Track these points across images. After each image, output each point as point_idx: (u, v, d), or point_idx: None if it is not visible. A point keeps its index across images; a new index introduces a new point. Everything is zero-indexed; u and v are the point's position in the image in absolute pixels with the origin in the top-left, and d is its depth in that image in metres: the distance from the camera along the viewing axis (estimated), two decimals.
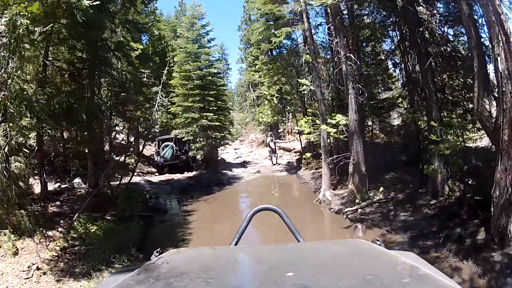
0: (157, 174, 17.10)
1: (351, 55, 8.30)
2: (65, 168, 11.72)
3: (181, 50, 17.46)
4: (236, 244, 1.60)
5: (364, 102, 8.63)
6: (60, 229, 8.43)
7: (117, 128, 16.11)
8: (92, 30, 8.50)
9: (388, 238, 6.81)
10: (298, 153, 19.36)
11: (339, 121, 8.67)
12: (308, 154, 11.51)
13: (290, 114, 22.81)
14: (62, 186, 10.84)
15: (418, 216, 7.44)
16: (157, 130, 21.70)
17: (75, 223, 8.34)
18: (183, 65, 16.74)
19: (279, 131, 26.11)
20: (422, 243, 6.48)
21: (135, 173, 16.90)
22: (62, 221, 8.73)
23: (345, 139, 8.94)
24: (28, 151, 13.96)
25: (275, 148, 19.53)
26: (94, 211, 9.16)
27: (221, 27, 70.23)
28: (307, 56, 11.78)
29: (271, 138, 19.82)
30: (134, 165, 12.89)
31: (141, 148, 13.41)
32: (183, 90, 16.48)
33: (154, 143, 18.29)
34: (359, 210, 8.06)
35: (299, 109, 19.36)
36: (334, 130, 8.90)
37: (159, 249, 1.36)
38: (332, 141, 10.82)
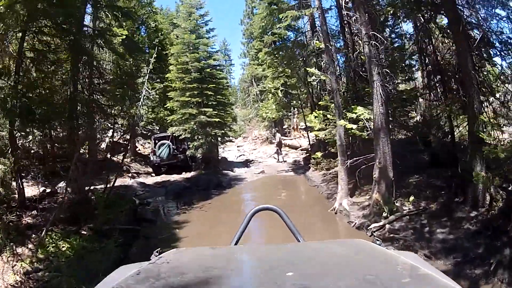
0: (153, 174, 15.81)
1: (376, 33, 6.81)
2: (54, 171, 10.54)
3: (178, 41, 16.12)
4: (236, 244, 1.60)
5: (392, 91, 7.16)
6: (30, 246, 7.23)
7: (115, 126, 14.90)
8: (63, 9, 7.18)
9: None
10: (305, 151, 18.06)
11: (360, 115, 7.22)
12: (319, 154, 10.08)
13: (296, 109, 21.54)
14: (48, 190, 9.75)
15: (459, 233, 6.01)
16: (157, 128, 20.68)
17: (45, 239, 7.09)
18: (180, 57, 15.37)
19: (284, 127, 24.79)
20: (470, 272, 5.09)
21: (130, 174, 15.84)
22: (34, 235, 7.52)
23: (367, 137, 7.49)
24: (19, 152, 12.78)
25: (281, 146, 18.18)
26: (71, 222, 7.89)
27: (224, 23, 68.69)
28: (317, 42, 10.38)
29: (279, 135, 18.50)
30: (122, 165, 11.51)
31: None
32: (180, 84, 15.13)
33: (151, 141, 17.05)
34: (387, 226, 6.57)
35: (304, 104, 17.98)
36: (355, 126, 7.43)
37: (159, 249, 1.34)
38: (344, 138, 9.37)
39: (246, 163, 18.03)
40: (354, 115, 7.39)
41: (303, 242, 1.57)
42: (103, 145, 15.67)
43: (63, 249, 6.87)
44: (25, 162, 11.63)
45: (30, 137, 11.26)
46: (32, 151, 12.19)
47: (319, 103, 9.89)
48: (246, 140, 28.43)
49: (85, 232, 7.19)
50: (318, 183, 11.20)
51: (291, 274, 0.97)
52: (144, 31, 19.79)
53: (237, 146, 25.53)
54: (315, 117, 9.85)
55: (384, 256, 1.17)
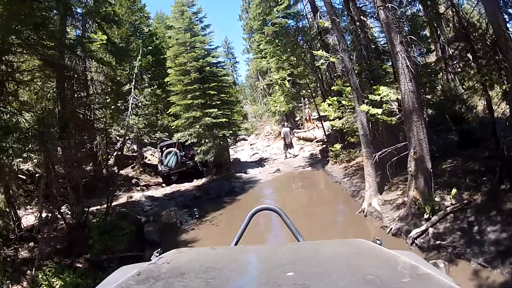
0: (164, 185, 15.00)
1: None
2: (62, 195, 9.80)
3: (173, 43, 15.22)
4: (236, 244, 1.61)
5: (420, 63, 5.95)
6: (24, 283, 6.51)
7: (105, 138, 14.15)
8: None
9: (485, 278, 4.28)
10: (321, 143, 16.92)
11: (385, 96, 6.03)
12: (338, 146, 8.92)
13: (307, 99, 20.43)
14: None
15: None
16: (165, 135, 20.01)
17: (39, 276, 6.32)
18: (177, 58, 14.44)
19: (296, 119, 23.65)
20: None
21: (138, 188, 15.09)
22: (29, 271, 6.79)
23: (393, 122, 6.31)
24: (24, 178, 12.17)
25: (290, 140, 17.00)
26: (67, 254, 7.08)
27: (223, 21, 67.67)
28: (321, 21, 9.23)
29: (287, 128, 17.32)
30: (120, 180, 10.69)
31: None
32: (181, 87, 14.23)
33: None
34: (431, 230, 5.39)
35: (314, 93, 16.82)
36: (379, 110, 6.25)
37: (159, 249, 1.36)
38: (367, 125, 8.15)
39: (260, 162, 16.99)
40: (377, 97, 6.18)
41: (303, 242, 1.57)
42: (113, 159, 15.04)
43: (57, 287, 6.07)
44: (30, 187, 11.05)
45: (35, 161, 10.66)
46: (37, 175, 11.61)
47: (331, 88, 8.72)
48: (259, 137, 27.43)
49: (80, 265, 6.35)
50: (339, 178, 10.05)
51: (291, 274, 0.97)
52: (139, 37, 19.08)
53: (250, 144, 24.57)
54: (329, 104, 8.72)
55: (384, 256, 1.16)
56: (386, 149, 6.40)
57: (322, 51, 9.33)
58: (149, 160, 19.44)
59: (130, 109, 8.09)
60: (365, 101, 6.70)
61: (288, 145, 16.95)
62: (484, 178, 6.51)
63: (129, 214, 9.21)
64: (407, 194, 6.06)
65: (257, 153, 20.69)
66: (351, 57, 7.10)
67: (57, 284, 5.95)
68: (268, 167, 15.37)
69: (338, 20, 7.22)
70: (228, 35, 57.71)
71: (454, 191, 5.82)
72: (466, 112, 9.45)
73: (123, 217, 8.75)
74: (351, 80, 6.83)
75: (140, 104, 9.84)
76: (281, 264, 1.13)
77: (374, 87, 6.52)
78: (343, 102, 8.83)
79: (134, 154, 18.55)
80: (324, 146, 15.29)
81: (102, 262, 6.32)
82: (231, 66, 39.05)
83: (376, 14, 5.94)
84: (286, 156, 16.79)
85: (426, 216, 5.57)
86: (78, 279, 5.73)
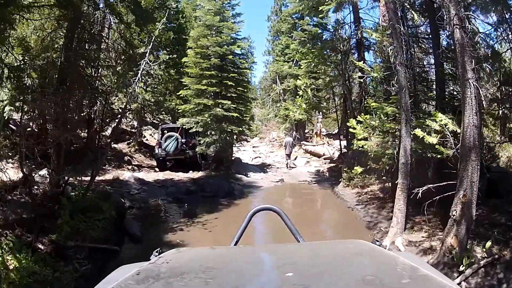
0: (157, 169, 13.98)
1: (472, 14, 4.69)
2: (45, 154, 8.77)
3: (199, 24, 14.25)
4: (236, 244, 1.56)
5: (490, 94, 5.04)
6: None
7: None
8: None
9: None
10: (329, 160, 15.95)
11: (442, 125, 5.05)
12: (359, 169, 7.93)
13: (320, 113, 19.49)
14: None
15: None
16: (169, 118, 19.10)
17: None
18: (199, 39, 13.44)
19: (305, 131, 22.70)
20: None
21: (130, 167, 14.04)
22: None
23: (443, 156, 5.31)
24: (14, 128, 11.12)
25: (290, 150, 16.19)
26: (31, 227, 6.00)
27: (248, 21, 66.64)
28: (369, 30, 8.29)
29: (290, 138, 16.59)
30: (111, 155, 9.65)
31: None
32: (197, 70, 13.23)
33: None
34: (464, 284, 4.59)
35: (336, 108, 15.83)
36: (435, 140, 5.26)
37: (159, 249, 1.32)
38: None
39: (263, 168, 15.97)
40: (434, 124, 5.18)
41: (303, 242, 1.55)
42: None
43: (10, 267, 5.00)
44: (17, 140, 10.05)
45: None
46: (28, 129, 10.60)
47: (371, 104, 7.75)
48: (263, 141, 26.49)
49: (42, 247, 5.27)
50: (352, 204, 9.01)
51: (291, 274, 0.95)
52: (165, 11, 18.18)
53: (253, 147, 23.57)
54: (359, 122, 7.75)
55: (384, 257, 1.15)
56: (429, 185, 5.41)
57: (363, 63, 8.37)
58: (147, 140, 18.48)
59: (139, 75, 7.02)
60: (417, 126, 5.72)
61: (287, 155, 16.12)
62: None
63: (112, 194, 8.13)
64: (443, 240, 5.14)
65: (259, 157, 19.77)
66: (406, 74, 6.09)
67: (11, 264, 4.89)
68: (271, 174, 14.33)
69: (401, 29, 6.21)
70: (251, 35, 56.96)
71: (489, 243, 5.06)
72: (491, 161, 8.84)
73: (105, 196, 7.68)
74: (403, 100, 5.80)
75: (152, 72, 8.72)
76: (281, 264, 1.12)
77: (433, 112, 5.53)
78: (373, 122, 7.87)
79: (133, 130, 17.62)
80: (334, 165, 14.30)
81: (68, 249, 5.25)
82: (250, 64, 38.30)
83: (449, 32, 4.89)
84: (291, 166, 15.89)
85: (461, 268, 4.74)
86: (35, 265, 4.65)
